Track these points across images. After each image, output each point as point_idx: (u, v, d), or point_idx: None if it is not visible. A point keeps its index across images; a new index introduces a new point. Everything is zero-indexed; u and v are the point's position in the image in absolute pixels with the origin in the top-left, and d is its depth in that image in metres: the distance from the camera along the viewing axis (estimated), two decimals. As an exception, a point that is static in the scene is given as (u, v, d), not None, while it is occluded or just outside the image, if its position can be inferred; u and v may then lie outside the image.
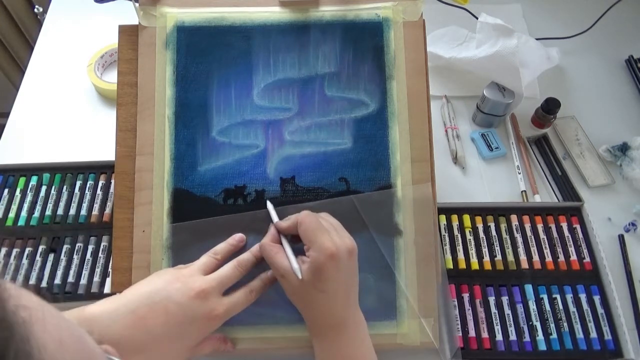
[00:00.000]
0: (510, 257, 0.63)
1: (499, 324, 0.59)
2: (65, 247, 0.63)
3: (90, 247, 0.63)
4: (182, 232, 0.55)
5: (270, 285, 0.53)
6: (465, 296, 0.60)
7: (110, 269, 0.61)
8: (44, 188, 0.67)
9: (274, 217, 0.54)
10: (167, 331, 0.45)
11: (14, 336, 0.17)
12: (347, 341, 0.50)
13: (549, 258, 0.63)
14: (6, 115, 0.77)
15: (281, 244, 0.52)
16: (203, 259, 0.52)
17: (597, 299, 0.60)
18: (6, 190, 0.67)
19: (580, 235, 0.64)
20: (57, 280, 0.61)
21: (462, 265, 0.62)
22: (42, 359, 0.18)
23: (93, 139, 0.75)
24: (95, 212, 0.65)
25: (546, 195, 0.71)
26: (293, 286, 0.49)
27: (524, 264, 0.62)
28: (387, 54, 0.59)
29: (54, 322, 0.20)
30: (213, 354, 0.53)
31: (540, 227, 0.65)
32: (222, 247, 0.53)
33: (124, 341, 0.43)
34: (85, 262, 0.62)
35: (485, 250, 0.63)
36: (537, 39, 0.81)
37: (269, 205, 0.56)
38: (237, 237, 0.55)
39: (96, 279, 0.61)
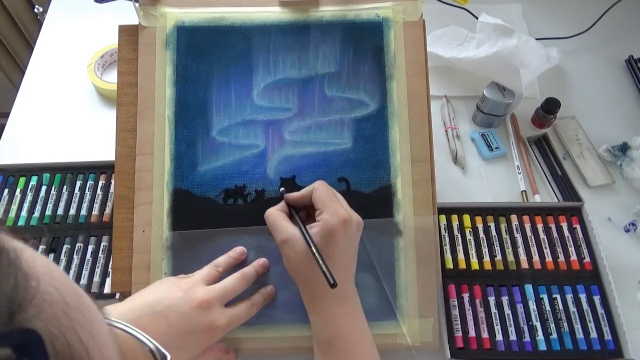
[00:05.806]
0: (510, 257, 0.63)
1: (499, 324, 0.59)
2: (65, 247, 0.63)
3: (90, 247, 0.63)
4: (182, 240, 0.56)
5: (270, 300, 0.54)
6: (465, 296, 0.60)
7: (110, 269, 0.61)
8: (44, 188, 0.67)
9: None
10: (168, 341, 0.44)
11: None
12: (347, 315, 0.49)
13: (549, 258, 0.63)
14: (6, 115, 0.77)
15: (289, 215, 0.52)
16: (204, 270, 0.52)
17: (597, 299, 0.60)
18: (6, 190, 0.66)
19: (580, 235, 0.64)
20: (57, 280, 0.61)
21: (462, 265, 0.62)
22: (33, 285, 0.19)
23: (93, 139, 0.74)
24: (95, 212, 0.65)
25: (546, 195, 0.71)
26: (297, 253, 0.48)
27: (524, 264, 0.62)
28: (387, 54, 0.59)
29: (42, 259, 0.21)
30: None
31: (540, 227, 0.65)
32: (223, 260, 0.53)
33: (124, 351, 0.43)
34: (85, 262, 0.62)
35: (485, 250, 0.63)
36: (537, 39, 0.80)
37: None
38: (239, 250, 0.55)
39: (96, 279, 0.61)
